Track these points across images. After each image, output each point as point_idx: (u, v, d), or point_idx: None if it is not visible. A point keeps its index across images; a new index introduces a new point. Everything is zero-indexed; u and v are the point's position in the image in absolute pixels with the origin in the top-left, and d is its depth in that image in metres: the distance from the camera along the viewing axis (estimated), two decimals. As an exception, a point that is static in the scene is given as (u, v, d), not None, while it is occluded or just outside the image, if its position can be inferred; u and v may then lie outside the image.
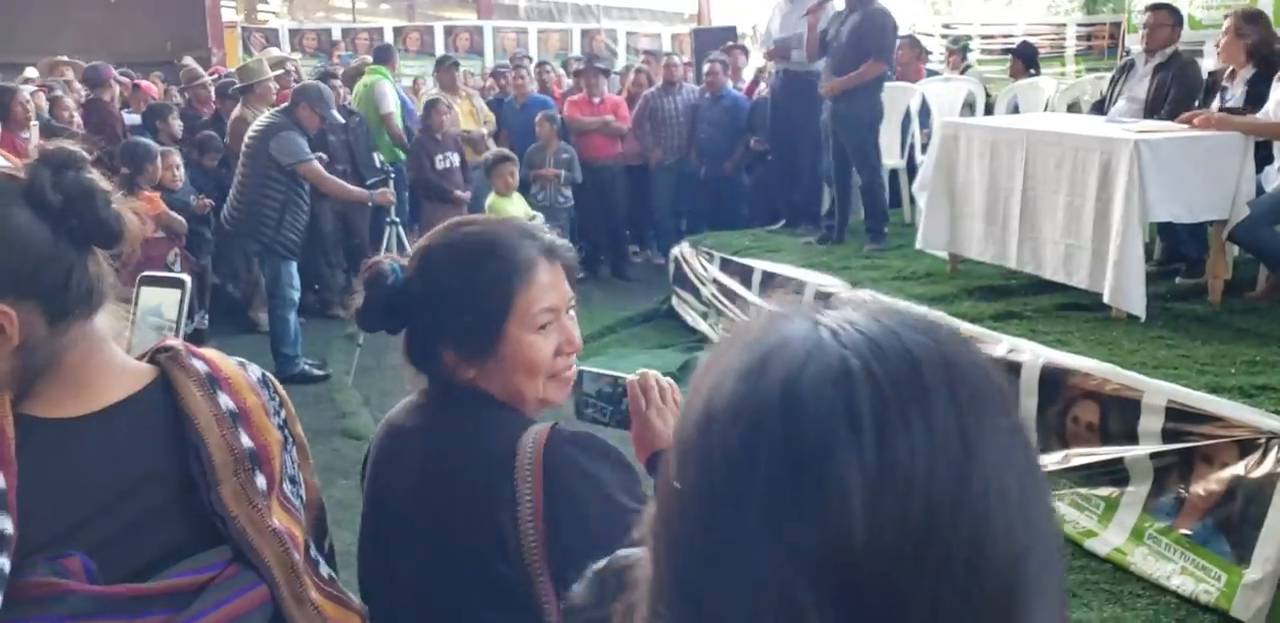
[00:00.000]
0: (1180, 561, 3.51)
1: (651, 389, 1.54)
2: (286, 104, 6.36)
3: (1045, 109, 7.49)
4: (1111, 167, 4.58)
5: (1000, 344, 4.31)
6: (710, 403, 0.62)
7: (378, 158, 7.86)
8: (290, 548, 1.20)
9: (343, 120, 7.14)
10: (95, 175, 1.17)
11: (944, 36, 14.92)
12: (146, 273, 1.38)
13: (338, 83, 8.34)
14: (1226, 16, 5.52)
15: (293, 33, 15.69)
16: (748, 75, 10.03)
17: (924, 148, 7.12)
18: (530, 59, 11.85)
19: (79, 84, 9.01)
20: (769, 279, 6.36)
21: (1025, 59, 8.35)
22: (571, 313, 1.50)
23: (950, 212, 5.58)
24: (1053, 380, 4.00)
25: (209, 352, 1.26)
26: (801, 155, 7.41)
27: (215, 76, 9.38)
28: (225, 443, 1.17)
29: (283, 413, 1.28)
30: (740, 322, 0.66)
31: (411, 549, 1.43)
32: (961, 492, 0.57)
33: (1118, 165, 4.54)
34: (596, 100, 8.88)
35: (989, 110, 7.87)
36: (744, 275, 6.62)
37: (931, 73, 8.77)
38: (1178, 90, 5.51)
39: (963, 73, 8.94)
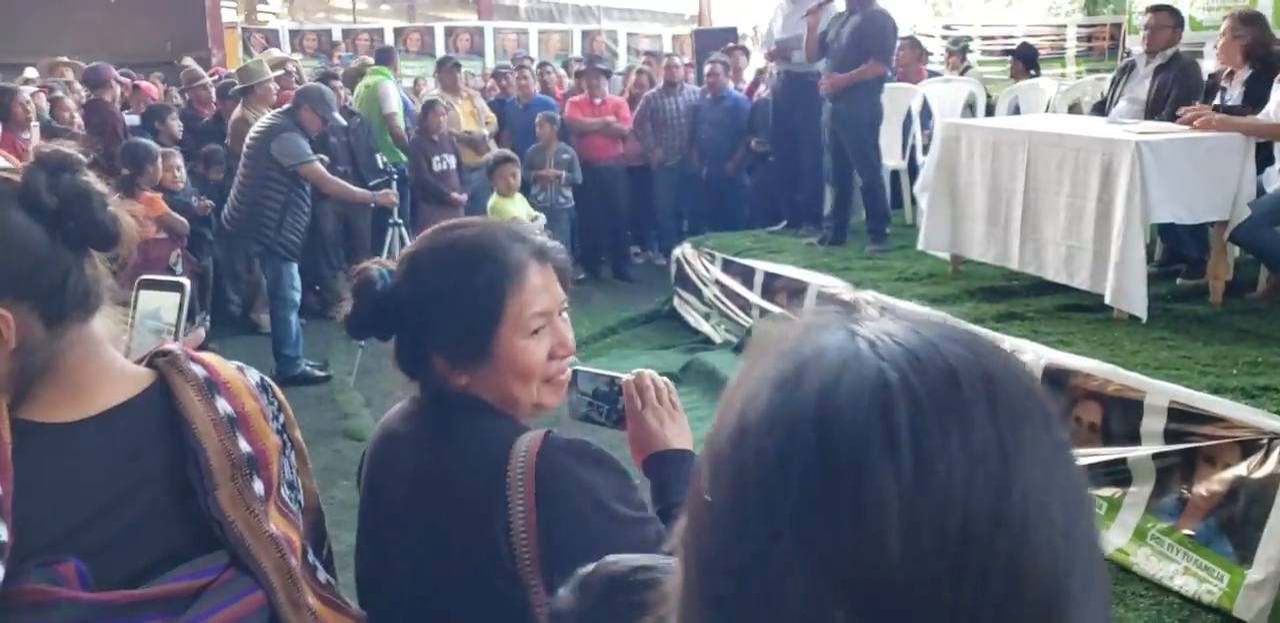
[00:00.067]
0: (1183, 561, 3.51)
1: (647, 389, 1.53)
2: (288, 105, 6.36)
3: (1046, 110, 7.49)
4: (1113, 168, 4.58)
5: (1002, 345, 4.30)
6: (743, 414, 0.60)
7: (381, 159, 7.86)
8: (287, 553, 1.19)
9: (344, 122, 7.14)
10: (91, 177, 1.16)
11: (944, 38, 14.92)
12: (145, 277, 1.37)
13: (338, 84, 8.33)
14: (1225, 18, 5.53)
15: (293, 33, 15.70)
16: (749, 76, 10.02)
17: (925, 149, 7.12)
18: (532, 60, 11.85)
19: (79, 85, 9.01)
20: (771, 280, 6.36)
21: (1025, 60, 8.34)
22: (564, 315, 1.48)
23: (952, 213, 5.58)
24: (1055, 381, 3.99)
25: (208, 356, 1.25)
26: (803, 156, 7.41)
27: (216, 77, 9.38)
28: (223, 448, 1.16)
29: (281, 418, 1.28)
30: (775, 331, 0.64)
31: (405, 555, 1.42)
32: (1000, 508, 0.55)
33: (1119, 166, 4.54)
34: (598, 101, 8.88)
35: (989, 111, 7.86)
36: (746, 276, 6.62)
37: (932, 74, 8.77)
38: (1179, 91, 5.50)
39: (962, 73, 8.94)
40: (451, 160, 7.82)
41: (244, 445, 1.18)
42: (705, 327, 6.93)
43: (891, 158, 7.36)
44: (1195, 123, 4.79)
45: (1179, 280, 5.31)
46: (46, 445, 1.12)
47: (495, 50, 15.68)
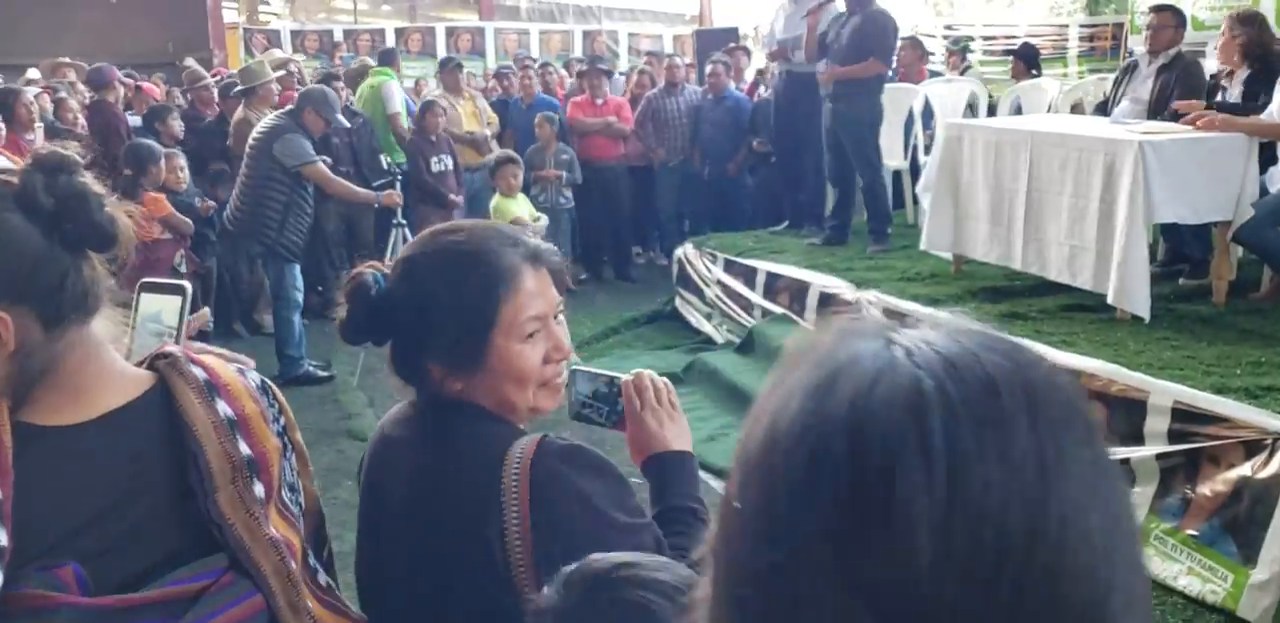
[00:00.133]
0: (1187, 561, 3.51)
1: (646, 390, 1.52)
2: (291, 107, 6.36)
3: (1048, 110, 7.48)
4: (1116, 168, 4.57)
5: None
6: (775, 421, 0.59)
7: (385, 160, 7.85)
8: (287, 557, 1.19)
9: (347, 124, 7.14)
10: (88, 179, 1.16)
11: (946, 38, 14.90)
12: (146, 279, 1.37)
13: (340, 85, 8.33)
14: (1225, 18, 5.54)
15: (294, 34, 15.69)
16: (749, 77, 10.02)
17: (927, 149, 7.11)
18: (534, 60, 11.85)
19: (82, 86, 9.01)
20: (773, 280, 6.36)
21: (1027, 60, 8.34)
22: (560, 318, 1.47)
23: (954, 213, 5.57)
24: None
25: (208, 358, 1.25)
26: (805, 156, 7.40)
27: (218, 78, 9.38)
28: (223, 451, 1.16)
29: (282, 420, 1.27)
30: (810, 338, 0.63)
31: (402, 559, 1.41)
32: (1038, 526, 0.53)
33: (1122, 167, 4.53)
34: (599, 102, 8.88)
35: (991, 111, 7.86)
36: (748, 277, 6.62)
37: (934, 74, 8.76)
38: (1181, 91, 5.50)
39: (962, 73, 8.93)
40: (449, 161, 7.82)
41: (244, 448, 1.17)
42: (707, 327, 6.92)
43: (893, 158, 7.35)
44: (1198, 123, 4.78)
45: (1182, 281, 5.30)
46: (47, 449, 1.12)
47: (496, 51, 15.68)
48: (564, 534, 1.29)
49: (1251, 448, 3.40)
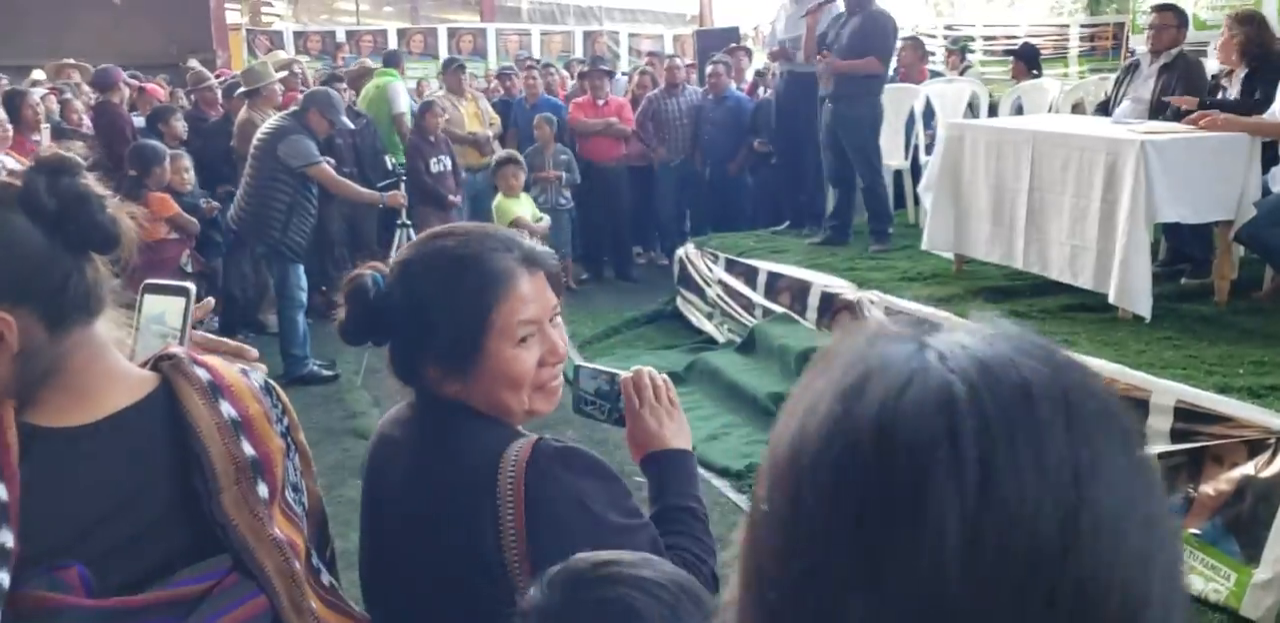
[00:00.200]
0: (1189, 560, 3.50)
1: (645, 388, 1.52)
2: (296, 108, 6.37)
3: (1049, 110, 7.48)
4: (1117, 167, 4.57)
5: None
6: (803, 424, 0.58)
7: (390, 160, 7.85)
8: (290, 557, 1.19)
9: (352, 125, 7.14)
10: (90, 180, 1.16)
11: (946, 38, 14.90)
12: (150, 281, 1.37)
13: (342, 86, 8.33)
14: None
15: (297, 35, 15.70)
16: (750, 77, 10.02)
17: (928, 149, 7.11)
18: (536, 61, 11.86)
19: (87, 87, 9.02)
20: (774, 280, 6.37)
21: (1027, 60, 8.34)
22: (558, 320, 1.47)
23: (955, 212, 5.57)
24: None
25: (211, 359, 1.25)
26: (805, 156, 7.41)
27: (221, 79, 9.39)
28: (227, 451, 1.16)
29: (285, 420, 1.27)
30: (842, 339, 0.62)
31: (401, 560, 1.42)
32: (1071, 535, 0.52)
33: (1124, 166, 4.53)
34: (600, 102, 8.88)
35: (992, 111, 7.86)
36: (749, 276, 6.62)
37: (935, 74, 8.76)
38: (1183, 91, 5.50)
39: (962, 73, 8.93)
40: (448, 162, 7.82)
41: (248, 449, 1.17)
42: (708, 327, 6.93)
43: (894, 158, 7.35)
44: (1201, 123, 4.78)
45: (1184, 280, 5.30)
46: (53, 450, 1.12)
47: (498, 51, 15.69)
48: (559, 536, 1.28)
49: (1254, 447, 3.40)
